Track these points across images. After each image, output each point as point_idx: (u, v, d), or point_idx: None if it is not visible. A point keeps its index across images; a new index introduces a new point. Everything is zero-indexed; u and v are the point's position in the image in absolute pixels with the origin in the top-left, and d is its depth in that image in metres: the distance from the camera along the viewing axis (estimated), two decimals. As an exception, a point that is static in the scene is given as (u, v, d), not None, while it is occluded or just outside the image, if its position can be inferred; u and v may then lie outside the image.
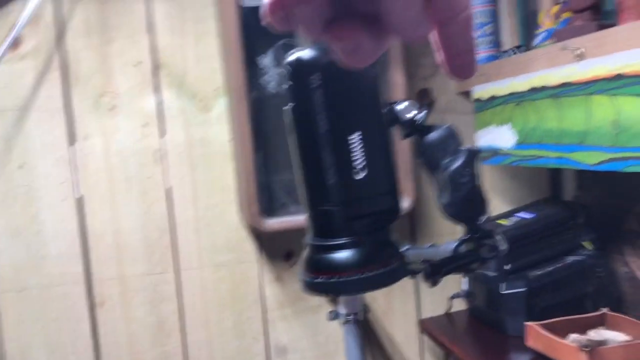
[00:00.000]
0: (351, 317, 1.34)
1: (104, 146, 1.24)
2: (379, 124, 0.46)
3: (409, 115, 0.48)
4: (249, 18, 1.18)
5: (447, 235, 1.48)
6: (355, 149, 0.44)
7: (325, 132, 0.44)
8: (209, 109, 1.30)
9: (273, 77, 1.25)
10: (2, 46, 1.15)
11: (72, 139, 1.23)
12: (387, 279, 0.45)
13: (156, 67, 1.27)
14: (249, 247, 1.33)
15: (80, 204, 1.24)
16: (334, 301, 1.39)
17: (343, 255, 0.46)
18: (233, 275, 1.33)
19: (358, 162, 0.45)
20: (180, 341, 1.30)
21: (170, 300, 1.29)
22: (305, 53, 0.45)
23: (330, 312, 1.39)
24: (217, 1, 1.26)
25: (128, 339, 1.27)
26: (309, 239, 0.47)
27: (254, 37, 1.21)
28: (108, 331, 1.26)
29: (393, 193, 0.47)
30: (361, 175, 0.45)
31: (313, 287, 0.46)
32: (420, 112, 0.48)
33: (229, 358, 1.33)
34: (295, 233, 1.34)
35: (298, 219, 1.21)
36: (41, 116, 1.20)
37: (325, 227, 0.46)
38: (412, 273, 0.53)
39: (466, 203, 0.48)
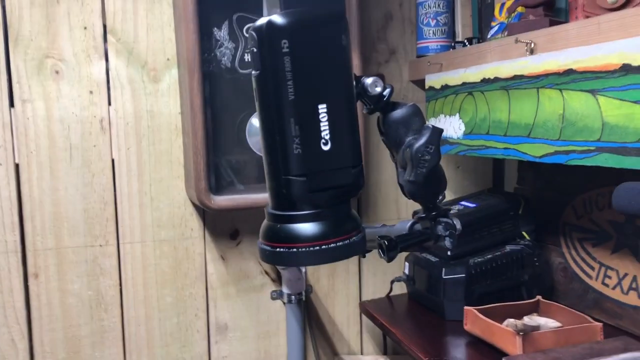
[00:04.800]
0: (294, 297, 1.34)
1: (46, 111, 1.19)
2: (348, 95, 0.45)
3: (378, 90, 0.48)
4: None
5: (391, 220, 1.50)
6: (323, 120, 0.44)
7: (294, 100, 0.43)
8: (159, 79, 1.26)
9: (227, 50, 1.22)
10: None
11: (11, 101, 1.17)
12: (347, 251, 0.45)
13: (105, 33, 1.22)
14: (194, 223, 1.31)
15: (18, 170, 1.18)
16: (277, 281, 1.39)
17: (304, 226, 0.45)
18: (176, 252, 1.30)
19: (325, 133, 0.44)
20: (119, 316, 1.27)
21: (109, 275, 1.26)
22: (275, 18, 0.44)
23: (274, 291, 1.39)
24: (173, -31, 1.22)
25: (63, 313, 1.23)
26: (269, 208, 0.47)
27: (209, 8, 1.18)
28: (42, 304, 1.21)
29: (357, 167, 0.46)
30: (327, 147, 0.45)
31: (273, 257, 0.45)
32: (387, 88, 0.49)
33: (168, 334, 1.31)
34: (241, 212, 1.34)
35: (246, 197, 1.19)
36: (-21, 75, 1.14)
37: (287, 197, 0.45)
38: (371, 248, 0.53)
39: (427, 181, 0.49)
